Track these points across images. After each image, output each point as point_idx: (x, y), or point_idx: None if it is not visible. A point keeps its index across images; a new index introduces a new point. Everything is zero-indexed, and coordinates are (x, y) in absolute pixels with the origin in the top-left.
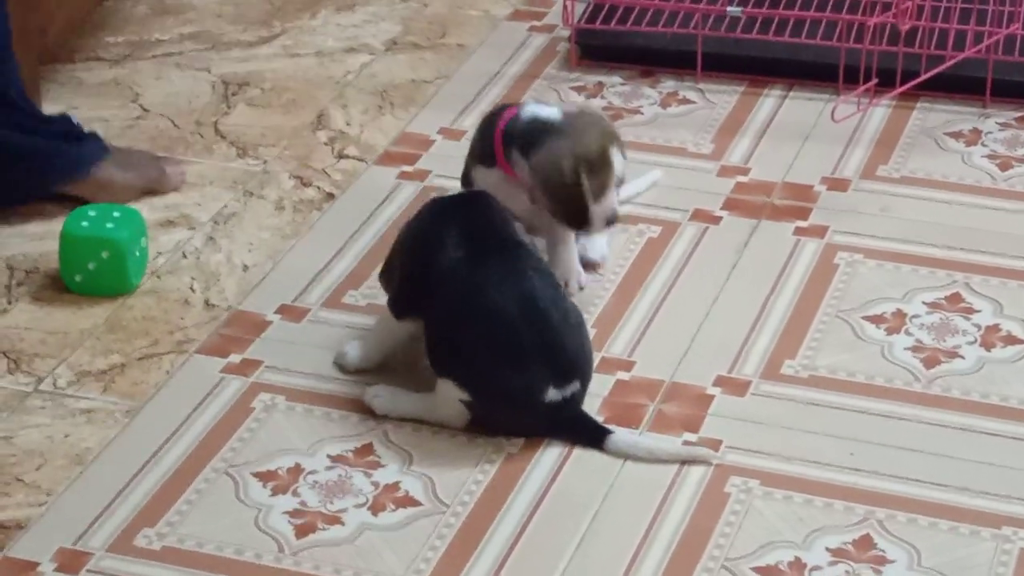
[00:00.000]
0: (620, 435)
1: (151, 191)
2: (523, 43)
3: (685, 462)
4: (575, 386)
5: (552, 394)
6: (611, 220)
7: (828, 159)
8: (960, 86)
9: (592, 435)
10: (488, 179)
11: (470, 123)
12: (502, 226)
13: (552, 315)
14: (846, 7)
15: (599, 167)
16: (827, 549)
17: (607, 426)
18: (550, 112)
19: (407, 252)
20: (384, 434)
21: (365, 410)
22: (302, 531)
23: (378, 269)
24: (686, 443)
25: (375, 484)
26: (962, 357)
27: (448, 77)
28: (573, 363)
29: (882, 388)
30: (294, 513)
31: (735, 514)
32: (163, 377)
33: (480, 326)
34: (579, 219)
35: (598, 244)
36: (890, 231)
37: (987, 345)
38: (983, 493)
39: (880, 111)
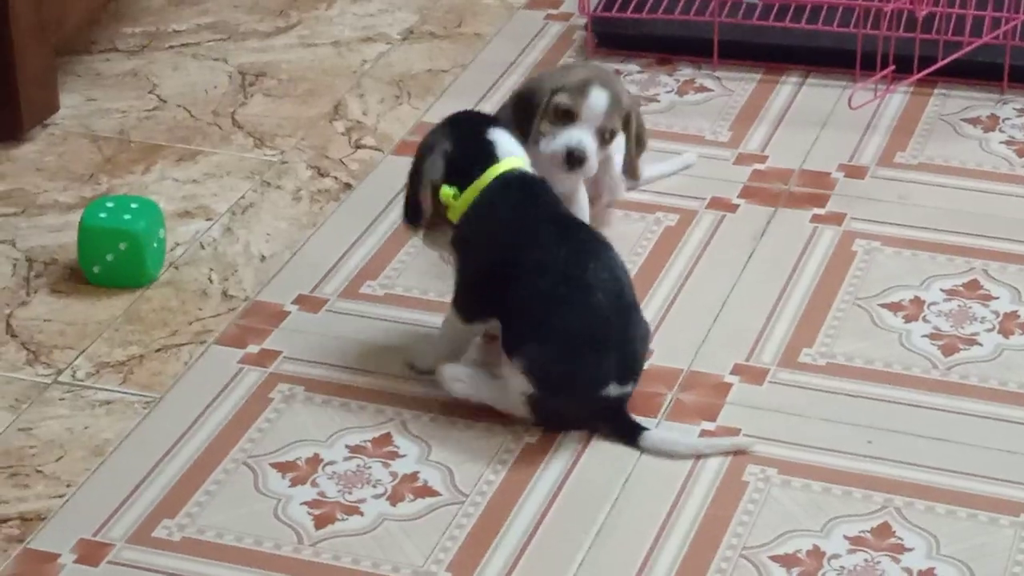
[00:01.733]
0: (656, 432)
1: None
2: (540, 32)
3: (725, 454)
4: (629, 388)
5: (612, 389)
6: (571, 157)
7: (845, 146)
8: (978, 72)
9: (627, 431)
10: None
11: (487, 112)
12: (572, 214)
13: (632, 315)
14: None
15: (571, 94)
16: (846, 537)
17: (641, 422)
18: None
19: (484, 249)
20: (402, 424)
21: (383, 400)
22: (321, 521)
23: (396, 258)
24: (704, 432)
25: (393, 474)
26: (980, 344)
27: (465, 66)
28: (636, 368)
29: (900, 376)
30: (313, 503)
31: (753, 503)
32: (181, 368)
33: (573, 313)
34: (524, 131)
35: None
36: (908, 218)
37: (1005, 332)
38: (1001, 480)
39: (897, 98)
